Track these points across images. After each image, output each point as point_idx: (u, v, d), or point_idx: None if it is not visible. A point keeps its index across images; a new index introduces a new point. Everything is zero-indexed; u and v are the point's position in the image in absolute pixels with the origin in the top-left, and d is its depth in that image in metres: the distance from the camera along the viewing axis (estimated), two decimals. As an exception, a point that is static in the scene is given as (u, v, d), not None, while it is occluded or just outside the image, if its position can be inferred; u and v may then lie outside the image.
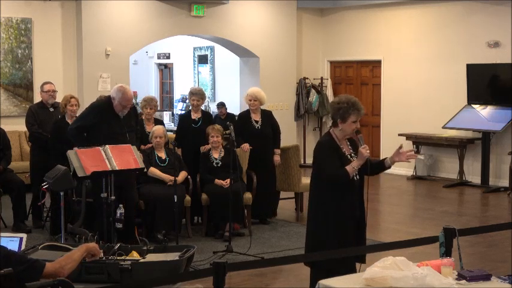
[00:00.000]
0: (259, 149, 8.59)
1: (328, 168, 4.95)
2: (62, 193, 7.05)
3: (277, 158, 8.81)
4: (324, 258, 4.70)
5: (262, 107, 8.92)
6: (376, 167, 5.14)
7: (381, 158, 5.30)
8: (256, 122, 8.73)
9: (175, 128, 11.24)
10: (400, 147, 5.03)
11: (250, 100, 8.70)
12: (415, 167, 12.57)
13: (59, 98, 8.63)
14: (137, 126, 7.52)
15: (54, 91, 8.63)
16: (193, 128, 8.50)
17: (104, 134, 6.83)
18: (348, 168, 4.92)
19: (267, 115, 8.88)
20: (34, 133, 8.52)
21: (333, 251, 4.73)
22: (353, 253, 4.89)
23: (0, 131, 8.51)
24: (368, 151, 4.94)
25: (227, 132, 7.92)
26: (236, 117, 10.24)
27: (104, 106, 7.06)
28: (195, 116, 8.61)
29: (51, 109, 8.56)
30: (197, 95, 8.61)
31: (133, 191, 7.30)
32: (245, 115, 8.85)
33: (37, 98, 10.55)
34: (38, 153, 8.41)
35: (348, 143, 5.11)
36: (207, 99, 14.94)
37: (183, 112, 14.13)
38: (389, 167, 5.11)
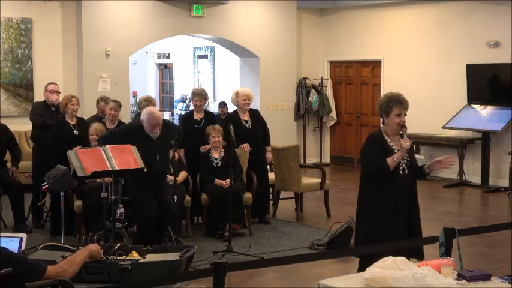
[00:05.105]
0: (252, 147, 8.59)
1: (370, 159, 5.12)
2: (62, 193, 7.06)
3: (269, 156, 8.86)
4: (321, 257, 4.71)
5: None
6: (418, 171, 5.36)
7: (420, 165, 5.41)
8: (246, 121, 8.72)
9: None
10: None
11: (245, 99, 8.69)
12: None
13: (59, 98, 8.63)
14: (178, 138, 7.52)
15: (58, 92, 8.62)
16: (196, 128, 8.49)
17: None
18: (389, 159, 5.07)
19: (255, 114, 8.88)
20: (43, 124, 8.33)
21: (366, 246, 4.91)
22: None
23: (1, 126, 8.47)
24: (409, 144, 5.11)
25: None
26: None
27: (137, 128, 7.04)
28: (197, 116, 8.60)
29: (53, 109, 8.56)
30: (200, 95, 8.60)
31: (167, 192, 7.09)
32: (233, 116, 8.77)
33: (37, 98, 10.56)
34: (40, 153, 8.40)
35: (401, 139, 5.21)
36: (207, 99, 14.97)
37: (183, 112, 14.13)
38: (428, 174, 5.41)
